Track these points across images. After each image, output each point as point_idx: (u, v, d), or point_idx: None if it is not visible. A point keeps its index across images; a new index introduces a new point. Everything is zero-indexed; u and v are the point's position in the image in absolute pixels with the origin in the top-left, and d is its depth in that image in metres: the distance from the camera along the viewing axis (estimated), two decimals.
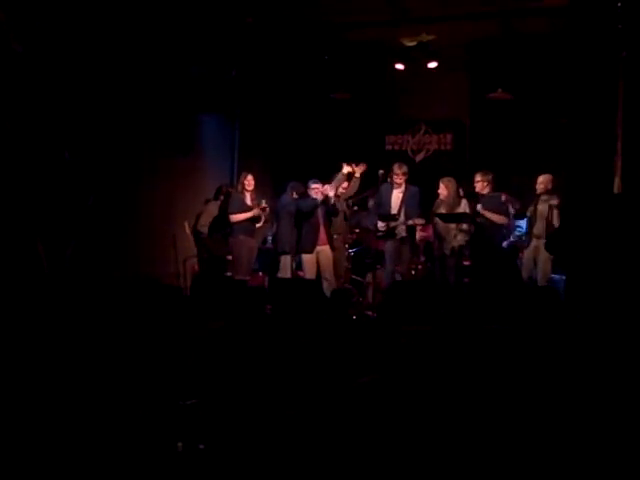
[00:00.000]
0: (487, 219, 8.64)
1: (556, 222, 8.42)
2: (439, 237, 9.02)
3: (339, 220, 9.17)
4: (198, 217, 9.51)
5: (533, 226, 8.65)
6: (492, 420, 3.96)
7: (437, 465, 3.46)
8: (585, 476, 3.38)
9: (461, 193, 9.00)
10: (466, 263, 8.89)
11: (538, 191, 8.62)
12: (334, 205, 8.96)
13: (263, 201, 9.18)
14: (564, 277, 8.58)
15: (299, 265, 9.07)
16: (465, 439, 3.71)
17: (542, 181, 8.60)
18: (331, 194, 8.93)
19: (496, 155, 10.34)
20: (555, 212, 8.48)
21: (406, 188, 8.98)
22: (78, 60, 7.86)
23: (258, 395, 4.40)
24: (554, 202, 8.50)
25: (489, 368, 5.05)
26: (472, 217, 8.72)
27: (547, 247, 8.37)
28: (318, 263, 8.92)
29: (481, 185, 8.77)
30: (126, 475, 3.33)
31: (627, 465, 3.42)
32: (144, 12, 8.50)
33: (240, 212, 9.10)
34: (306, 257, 8.91)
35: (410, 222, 8.89)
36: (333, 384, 4.60)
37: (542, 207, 8.58)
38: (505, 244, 8.82)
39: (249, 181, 9.24)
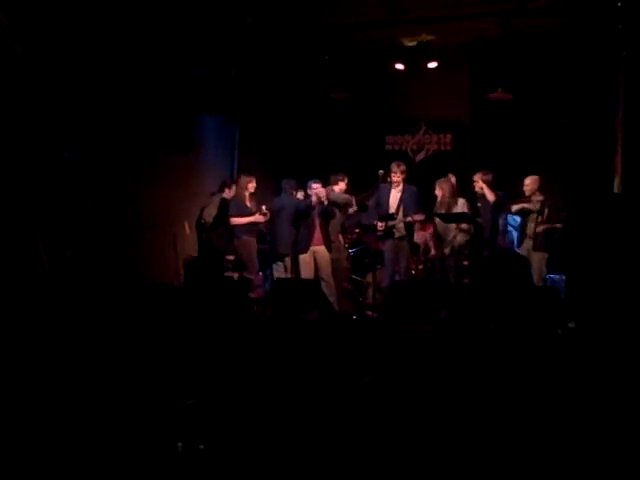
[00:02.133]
0: (484, 219, 8.69)
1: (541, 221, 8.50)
2: (439, 237, 9.05)
3: (335, 221, 9.18)
4: (202, 210, 9.45)
5: (525, 226, 8.69)
6: (492, 419, 3.97)
7: (438, 464, 3.46)
8: (585, 476, 3.38)
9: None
10: (466, 263, 8.91)
11: (526, 193, 8.68)
12: (329, 206, 9.00)
13: (263, 207, 9.19)
14: (564, 277, 8.62)
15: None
16: (466, 438, 3.71)
17: (529, 182, 8.65)
18: (323, 196, 8.99)
19: (496, 155, 10.33)
20: (545, 210, 8.55)
21: (404, 187, 9.01)
22: (78, 60, 7.85)
23: (258, 395, 4.40)
24: (539, 198, 8.56)
25: (489, 368, 5.05)
26: (472, 217, 8.73)
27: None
28: (315, 263, 8.94)
29: (480, 185, 8.80)
30: (126, 475, 3.33)
31: (627, 465, 3.42)
32: (144, 12, 8.50)
33: (241, 215, 9.12)
34: (302, 257, 8.94)
35: (409, 218, 8.90)
36: (334, 384, 4.60)
37: (532, 208, 8.64)
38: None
39: (253, 185, 9.30)
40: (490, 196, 8.65)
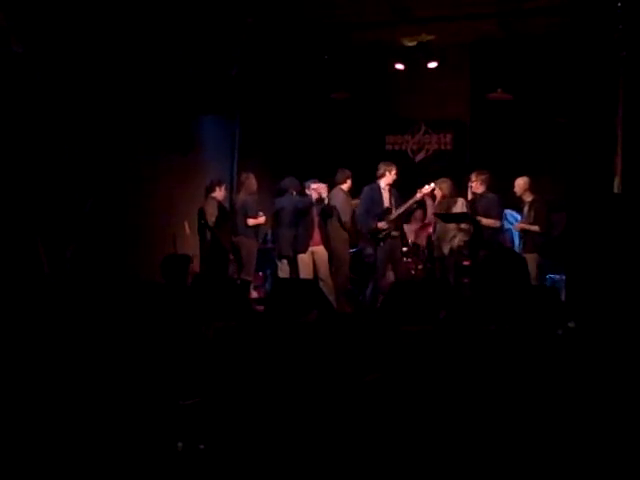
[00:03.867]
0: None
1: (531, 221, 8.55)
2: (438, 237, 9.05)
3: (334, 221, 9.17)
4: (204, 210, 9.26)
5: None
6: (492, 420, 3.97)
7: (438, 465, 3.46)
8: (585, 476, 3.38)
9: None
10: (466, 263, 8.91)
11: (517, 193, 8.72)
12: (328, 205, 9.02)
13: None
14: (564, 277, 8.62)
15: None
16: (466, 438, 3.71)
17: (521, 184, 8.69)
18: (324, 194, 9.01)
19: (496, 155, 10.35)
20: (532, 212, 8.58)
21: (391, 189, 9.05)
22: (78, 60, 7.85)
23: (258, 395, 4.40)
24: (529, 199, 8.61)
25: (489, 368, 5.05)
26: (472, 217, 8.74)
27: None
28: (314, 263, 8.96)
29: (476, 184, 8.81)
30: (126, 475, 3.34)
31: (627, 465, 3.42)
32: (144, 12, 8.50)
33: (255, 216, 9.11)
34: (300, 257, 8.96)
35: (418, 194, 8.87)
36: (333, 384, 4.60)
37: (525, 209, 8.67)
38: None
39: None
40: (485, 222, 8.67)
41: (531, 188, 8.64)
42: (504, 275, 7.76)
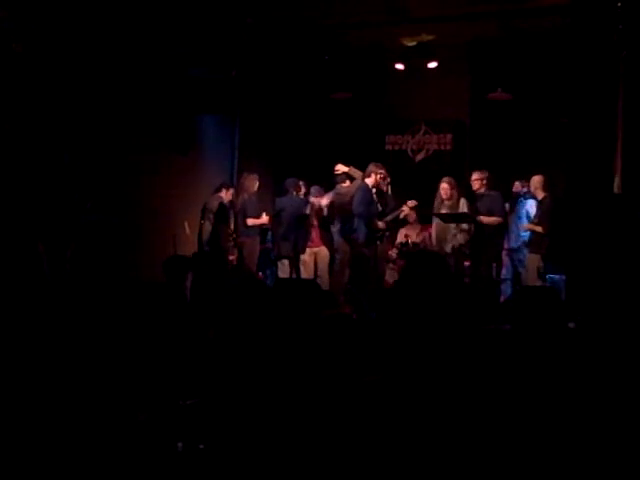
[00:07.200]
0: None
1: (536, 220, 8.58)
2: (438, 237, 9.06)
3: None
4: (207, 205, 9.27)
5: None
6: (492, 419, 3.97)
7: (438, 465, 3.46)
8: (585, 476, 3.38)
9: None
10: (466, 263, 8.92)
11: (531, 190, 8.73)
12: (328, 215, 9.08)
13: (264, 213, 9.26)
14: (564, 277, 8.62)
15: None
16: (466, 438, 3.71)
17: (533, 180, 8.70)
18: (324, 204, 9.06)
19: (496, 155, 10.33)
20: (539, 211, 8.60)
21: (375, 189, 9.08)
22: (78, 61, 7.86)
23: (258, 395, 4.40)
24: (540, 197, 8.62)
25: (490, 368, 5.05)
26: (472, 217, 8.74)
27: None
28: (315, 263, 9.01)
29: (478, 184, 8.81)
30: (126, 475, 3.34)
31: (627, 465, 3.42)
32: (144, 12, 8.50)
33: (256, 216, 9.13)
34: (301, 257, 9.00)
35: (406, 206, 8.94)
36: (334, 384, 4.60)
37: (540, 230, 8.66)
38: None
39: (257, 183, 9.32)
40: (487, 220, 8.71)
41: (544, 187, 8.64)
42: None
